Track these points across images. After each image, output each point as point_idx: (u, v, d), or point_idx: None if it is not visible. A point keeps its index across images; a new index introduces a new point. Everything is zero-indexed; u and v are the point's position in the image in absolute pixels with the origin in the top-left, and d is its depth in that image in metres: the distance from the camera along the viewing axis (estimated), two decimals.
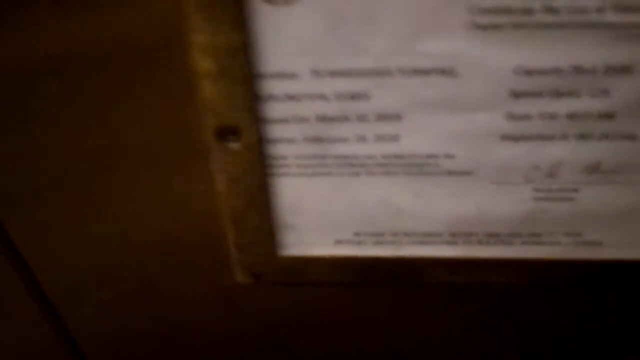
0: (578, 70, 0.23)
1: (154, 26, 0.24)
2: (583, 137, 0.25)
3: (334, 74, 0.24)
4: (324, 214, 0.29)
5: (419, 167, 0.27)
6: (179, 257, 0.33)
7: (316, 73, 0.24)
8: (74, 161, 0.28)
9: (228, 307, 0.36)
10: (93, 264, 0.33)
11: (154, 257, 0.33)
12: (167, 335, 0.38)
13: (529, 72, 0.23)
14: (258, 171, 0.27)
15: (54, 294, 0.35)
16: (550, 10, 0.21)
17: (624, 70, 0.23)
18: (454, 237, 0.30)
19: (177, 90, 0.25)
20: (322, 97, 0.25)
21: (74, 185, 0.29)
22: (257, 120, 0.25)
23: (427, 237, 0.30)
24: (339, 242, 0.31)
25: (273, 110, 0.25)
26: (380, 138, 0.26)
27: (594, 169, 0.26)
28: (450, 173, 0.27)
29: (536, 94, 0.24)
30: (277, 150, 0.27)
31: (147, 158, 0.28)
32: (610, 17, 0.22)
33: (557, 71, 0.23)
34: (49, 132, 0.27)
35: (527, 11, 0.21)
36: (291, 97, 0.25)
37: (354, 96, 0.24)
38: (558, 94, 0.24)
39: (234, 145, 0.26)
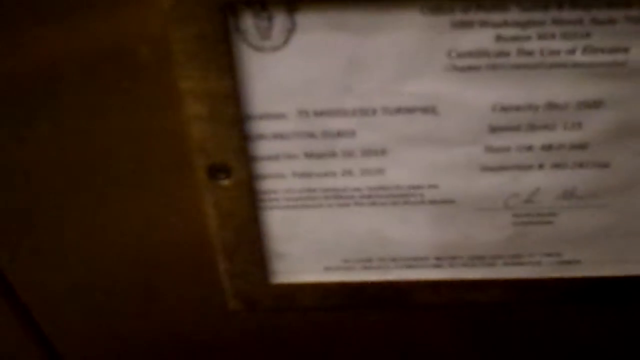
0: (552, 106, 0.24)
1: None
2: (558, 166, 0.26)
3: (320, 113, 0.25)
4: (314, 242, 0.30)
5: (404, 197, 0.28)
6: (170, 280, 0.34)
7: (303, 113, 0.25)
8: (61, 179, 0.29)
9: (220, 330, 0.36)
10: (84, 283, 0.33)
11: (144, 281, 0.34)
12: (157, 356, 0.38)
13: (506, 109, 0.24)
14: (249, 206, 0.28)
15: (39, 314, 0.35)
16: (524, 52, 0.23)
17: (595, 104, 0.24)
18: (440, 261, 0.31)
19: (172, 124, 0.26)
20: (310, 135, 0.26)
21: (61, 207, 0.30)
22: (247, 159, 0.26)
23: (414, 262, 0.31)
24: (328, 268, 0.32)
25: (262, 148, 0.26)
26: (366, 172, 0.27)
27: (569, 194, 0.27)
28: (434, 202, 0.28)
29: (513, 128, 0.25)
30: (267, 185, 0.27)
31: (138, 184, 0.29)
32: (580, 57, 0.23)
33: (532, 107, 0.24)
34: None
35: (502, 54, 0.23)
36: (280, 136, 0.26)
37: (340, 134, 0.25)
38: (533, 127, 0.25)
39: (225, 183, 0.27)
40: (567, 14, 0.22)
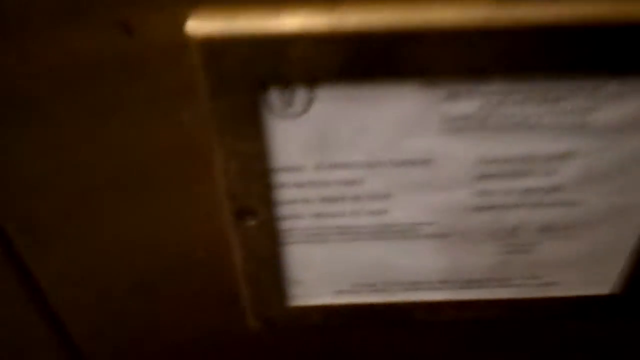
0: (529, 157, 0.29)
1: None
2: (537, 205, 0.31)
3: (333, 166, 0.29)
4: (326, 271, 0.35)
5: (405, 233, 0.32)
6: (188, 299, 0.38)
7: (319, 166, 0.29)
8: (91, 186, 0.30)
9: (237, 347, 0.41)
10: (108, 293, 0.36)
11: (163, 299, 0.37)
12: None
13: (490, 161, 0.29)
14: (271, 242, 0.32)
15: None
16: (502, 116, 0.27)
17: (567, 156, 0.29)
18: (438, 284, 0.35)
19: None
20: (324, 184, 0.30)
21: (92, 216, 0.31)
22: (271, 204, 0.30)
23: (415, 285, 0.35)
24: (338, 292, 0.36)
25: (284, 195, 0.30)
26: (372, 212, 0.31)
27: (547, 228, 0.32)
28: (431, 236, 0.32)
29: (497, 176, 0.29)
30: (287, 225, 0.32)
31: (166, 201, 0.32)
32: (552, 119, 0.27)
33: (512, 159, 0.29)
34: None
35: (484, 118, 0.27)
36: (299, 185, 0.30)
37: (350, 182, 0.30)
38: (515, 175, 0.29)
39: (251, 223, 0.31)
40: (539, 85, 0.26)
